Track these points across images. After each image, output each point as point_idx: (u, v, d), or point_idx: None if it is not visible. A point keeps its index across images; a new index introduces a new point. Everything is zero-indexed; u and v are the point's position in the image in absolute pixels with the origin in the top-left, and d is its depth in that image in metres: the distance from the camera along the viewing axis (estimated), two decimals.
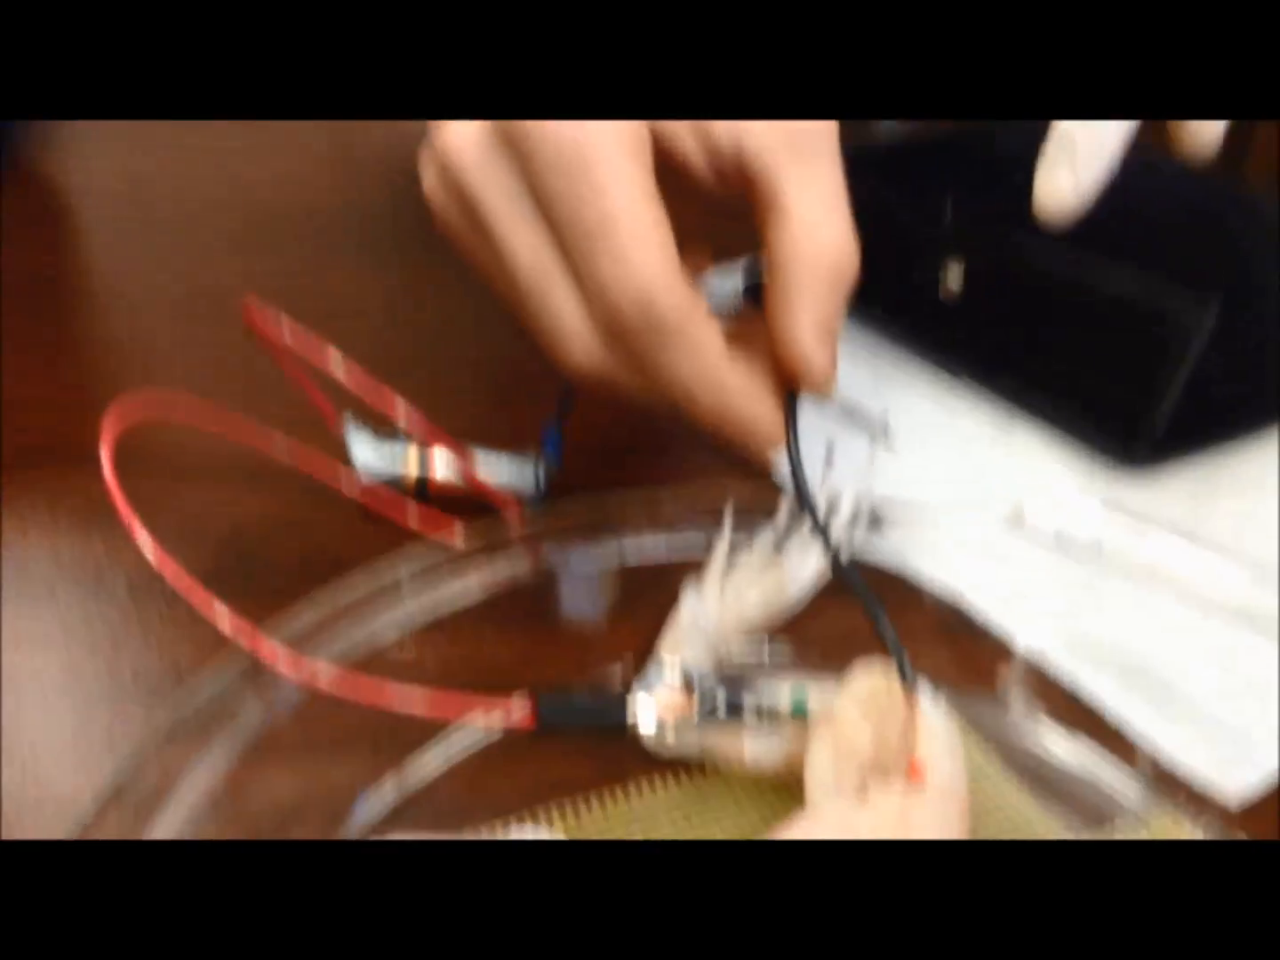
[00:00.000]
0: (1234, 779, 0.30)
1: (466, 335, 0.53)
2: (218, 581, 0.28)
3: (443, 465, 0.39)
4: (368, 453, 0.39)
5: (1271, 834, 0.29)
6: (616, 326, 0.28)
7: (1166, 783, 0.30)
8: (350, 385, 0.31)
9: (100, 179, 0.69)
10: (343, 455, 0.40)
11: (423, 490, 0.39)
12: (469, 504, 0.39)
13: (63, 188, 0.70)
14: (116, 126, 0.72)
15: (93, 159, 0.71)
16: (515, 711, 0.25)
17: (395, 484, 0.40)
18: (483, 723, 0.25)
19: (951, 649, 0.34)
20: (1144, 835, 0.29)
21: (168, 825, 0.26)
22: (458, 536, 0.33)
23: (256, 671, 0.29)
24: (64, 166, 0.71)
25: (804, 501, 0.29)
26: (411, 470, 0.39)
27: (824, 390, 0.30)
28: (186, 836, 0.26)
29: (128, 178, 0.69)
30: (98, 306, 0.57)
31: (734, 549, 0.33)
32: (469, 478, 0.37)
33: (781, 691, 0.28)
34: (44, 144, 0.71)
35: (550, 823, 0.29)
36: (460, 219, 0.31)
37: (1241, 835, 0.29)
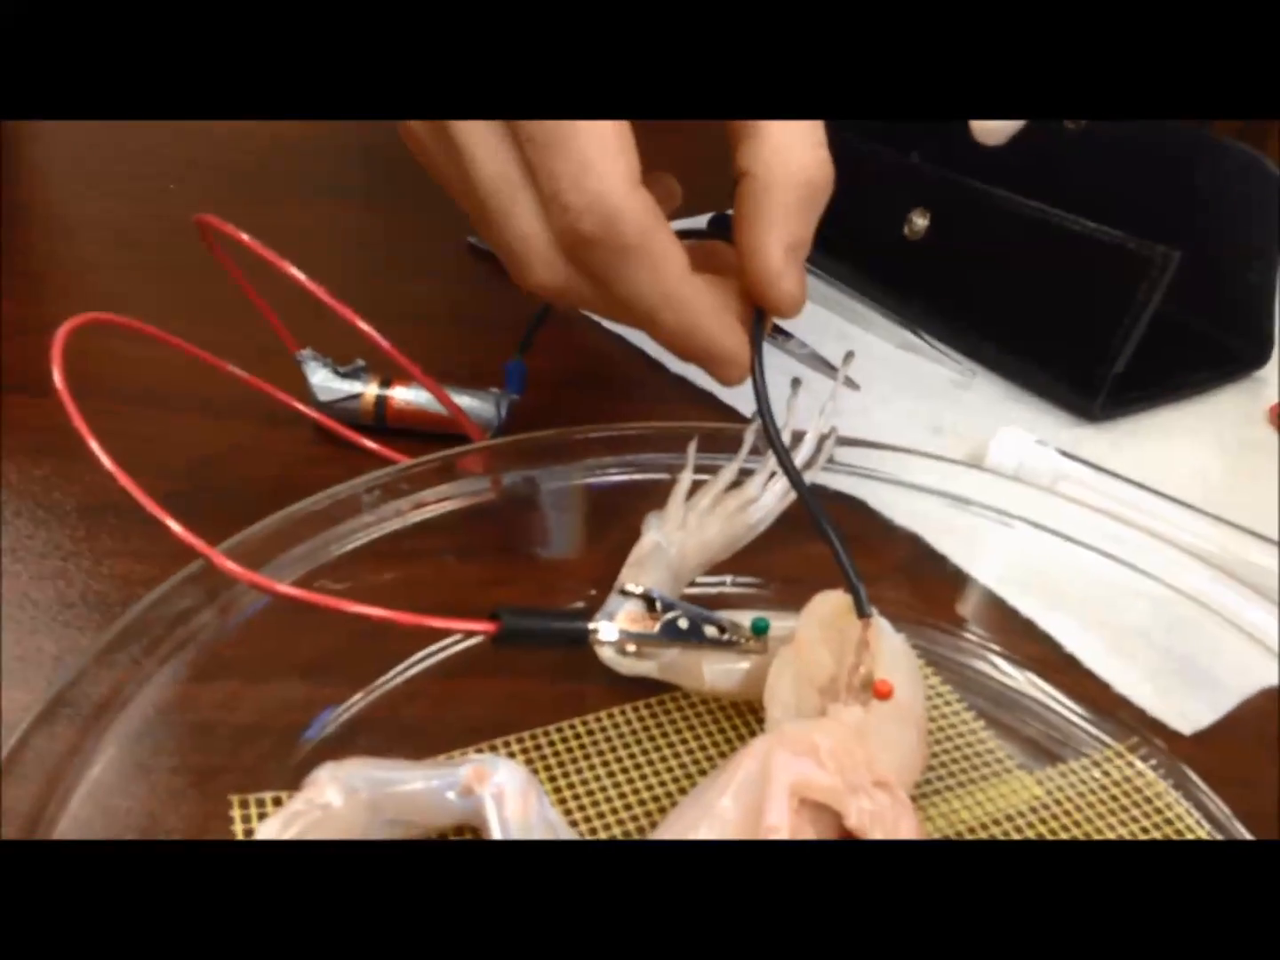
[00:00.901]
0: (1184, 715, 0.31)
1: (427, 275, 0.53)
2: (171, 506, 0.27)
3: (401, 394, 0.39)
4: (326, 380, 0.39)
5: (1219, 771, 0.29)
6: (577, 239, 0.28)
7: (1118, 717, 0.31)
8: (314, 299, 0.31)
9: None
10: (299, 384, 0.39)
11: (380, 419, 0.39)
12: (428, 436, 0.39)
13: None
14: None
15: None
16: (477, 623, 0.25)
17: (353, 414, 0.39)
18: (444, 629, 0.25)
19: (911, 583, 0.34)
20: (1094, 770, 0.29)
21: (116, 736, 0.25)
22: (417, 460, 0.33)
23: (212, 588, 0.28)
24: None
25: (767, 422, 0.29)
26: (370, 398, 0.39)
27: (791, 310, 0.30)
28: (136, 749, 0.25)
29: None
30: (47, 233, 0.56)
31: (696, 480, 0.33)
32: (436, 401, 0.37)
33: (742, 617, 0.28)
34: None
35: (511, 751, 0.28)
36: (426, 130, 0.30)
37: (1190, 772, 0.29)
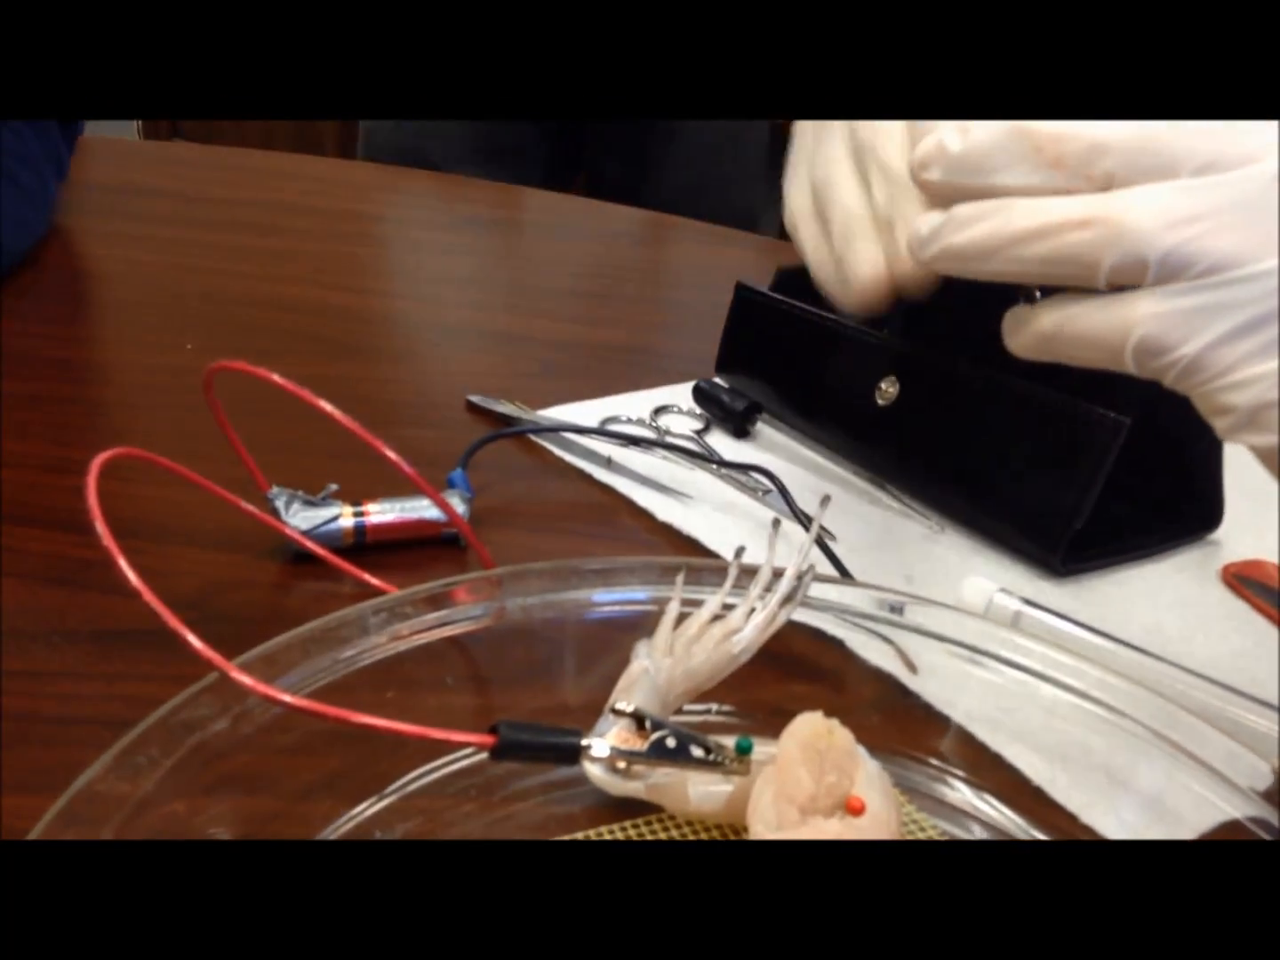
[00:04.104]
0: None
1: (427, 425, 0.56)
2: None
3: (376, 515, 0.43)
4: (301, 509, 0.42)
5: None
6: None
7: None
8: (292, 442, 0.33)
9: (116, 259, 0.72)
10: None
11: (360, 539, 0.42)
12: (401, 545, 0.43)
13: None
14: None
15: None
16: (476, 735, 0.27)
17: (335, 539, 0.42)
18: (446, 740, 0.26)
19: (884, 716, 0.36)
20: None
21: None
22: (420, 587, 0.35)
23: (220, 705, 0.30)
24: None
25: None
26: (350, 526, 0.42)
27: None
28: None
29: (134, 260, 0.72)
30: (91, 379, 0.59)
31: (683, 612, 0.35)
32: (405, 515, 0.43)
33: (727, 740, 0.30)
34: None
35: None
36: None
37: None
